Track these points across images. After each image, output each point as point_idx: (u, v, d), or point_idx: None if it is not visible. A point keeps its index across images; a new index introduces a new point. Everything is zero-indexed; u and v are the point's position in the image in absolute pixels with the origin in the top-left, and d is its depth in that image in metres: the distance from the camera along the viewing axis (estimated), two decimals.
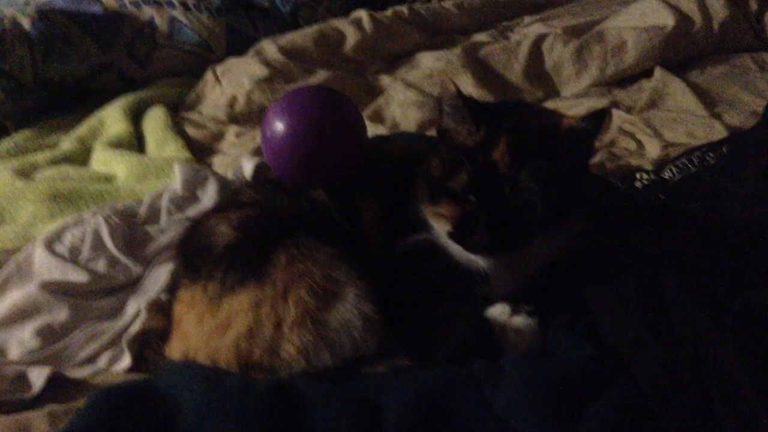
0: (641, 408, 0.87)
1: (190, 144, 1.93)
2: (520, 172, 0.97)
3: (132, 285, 1.31)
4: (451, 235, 1.04)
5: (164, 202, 1.47)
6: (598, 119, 1.01)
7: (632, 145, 1.83)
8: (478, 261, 1.07)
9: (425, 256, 1.10)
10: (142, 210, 1.46)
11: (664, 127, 1.88)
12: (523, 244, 1.01)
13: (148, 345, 1.16)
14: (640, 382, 0.90)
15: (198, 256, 1.11)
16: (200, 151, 1.92)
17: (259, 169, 1.54)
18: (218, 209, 1.22)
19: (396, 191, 1.16)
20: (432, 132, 1.89)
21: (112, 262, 1.32)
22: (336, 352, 1.01)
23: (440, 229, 1.06)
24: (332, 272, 1.04)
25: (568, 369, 0.92)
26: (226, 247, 1.09)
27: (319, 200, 1.18)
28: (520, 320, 1.06)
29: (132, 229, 1.40)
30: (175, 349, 1.09)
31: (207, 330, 1.04)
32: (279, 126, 1.16)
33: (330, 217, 1.16)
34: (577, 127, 0.99)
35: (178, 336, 1.09)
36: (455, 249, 1.07)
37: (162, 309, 1.19)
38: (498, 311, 1.08)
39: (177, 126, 2.01)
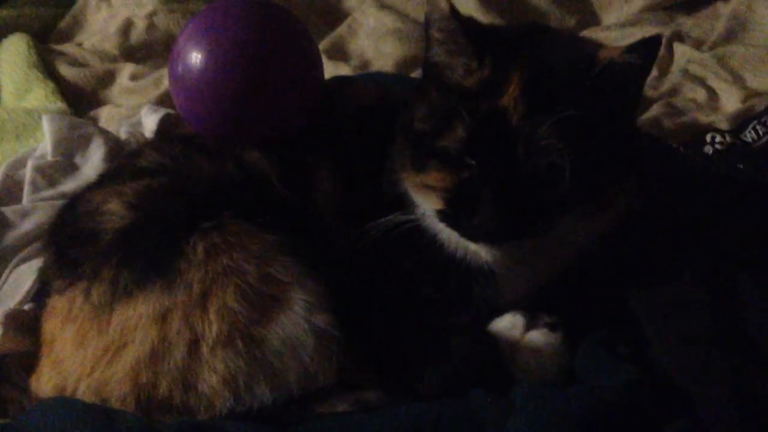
0: None
1: (65, 90, 1.95)
2: (540, 125, 0.99)
3: None
4: (443, 216, 1.06)
5: (28, 173, 1.48)
6: (650, 49, 1.03)
7: (701, 95, 1.88)
8: (481, 252, 1.09)
9: (405, 246, 1.12)
10: None
11: (745, 68, 1.93)
12: (543, 228, 1.03)
13: (5, 377, 1.16)
14: (706, 422, 0.93)
15: (78, 247, 1.12)
16: (80, 101, 1.94)
17: (165, 124, 1.56)
18: (106, 179, 1.23)
19: (364, 153, 1.18)
20: (417, 73, 1.92)
21: None
22: (278, 383, 1.02)
23: (427, 206, 1.09)
24: (272, 270, 1.05)
25: (602, 400, 0.95)
26: (118, 233, 1.10)
27: (253, 165, 1.19)
28: (538, 336, 1.09)
29: None
30: (46, 381, 1.09)
31: (91, 353, 1.05)
32: (195, 58, 1.17)
33: (269, 190, 1.17)
34: (620, 60, 1.01)
35: (51, 362, 1.10)
36: (448, 235, 1.09)
37: (25, 324, 1.20)
38: (508, 324, 1.11)
39: (45, 64, 2.01)
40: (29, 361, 1.15)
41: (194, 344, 1.02)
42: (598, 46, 1.08)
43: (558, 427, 0.92)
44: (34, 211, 1.41)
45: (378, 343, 1.09)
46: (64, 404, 1.03)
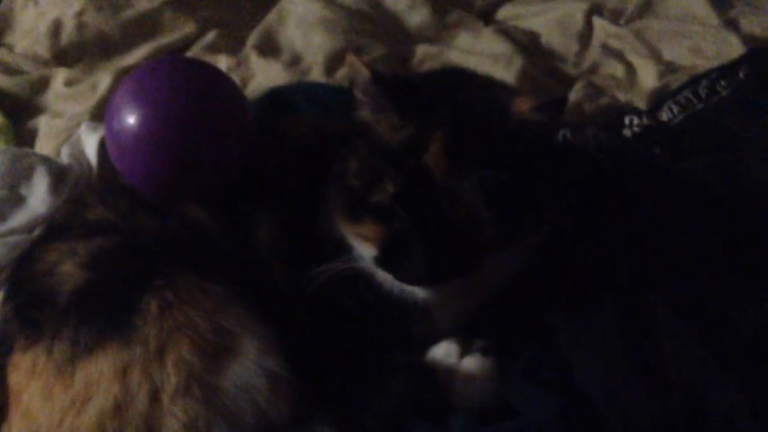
0: None
1: (1, 99, 1.95)
2: (462, 181, 1.07)
3: None
4: (379, 262, 1.14)
5: None
6: (555, 108, 1.11)
7: (620, 71, 1.96)
8: (416, 291, 1.17)
9: (347, 288, 1.20)
10: None
11: (662, 41, 2.01)
12: (470, 268, 1.12)
13: None
14: None
15: (37, 308, 1.17)
16: (16, 110, 1.95)
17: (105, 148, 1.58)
18: (56, 233, 1.28)
19: (302, 196, 1.25)
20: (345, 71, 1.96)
21: None
22: (235, 425, 1.10)
23: (365, 252, 1.16)
24: (222, 321, 1.12)
25: None
26: (74, 293, 1.16)
27: (194, 219, 1.25)
28: (472, 362, 1.17)
29: None
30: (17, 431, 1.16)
31: (59, 406, 1.12)
32: (129, 118, 1.21)
33: (213, 243, 1.23)
34: (529, 118, 1.09)
35: (20, 414, 1.15)
36: (385, 277, 1.17)
37: None
38: (443, 352, 1.20)
39: None
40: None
41: (155, 395, 1.09)
42: (512, 93, 1.15)
43: None
44: None
45: (326, 381, 1.16)
46: None
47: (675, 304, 1.16)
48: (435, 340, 1.22)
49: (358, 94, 1.14)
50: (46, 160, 1.61)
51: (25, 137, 1.85)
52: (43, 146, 1.77)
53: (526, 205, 1.12)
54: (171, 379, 1.09)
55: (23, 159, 1.59)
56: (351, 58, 1.13)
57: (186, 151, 1.23)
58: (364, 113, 1.15)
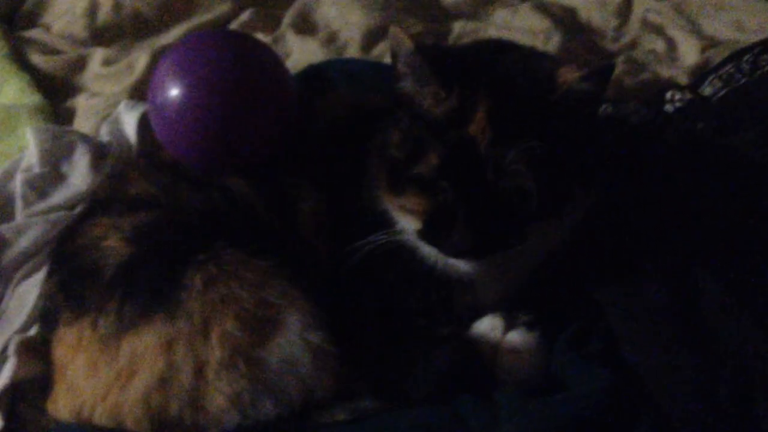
0: None
1: (39, 79, 1.94)
2: (507, 151, 1.06)
3: None
4: (422, 235, 1.13)
5: (18, 188, 1.51)
6: (604, 77, 1.10)
7: (661, 46, 1.94)
8: (459, 265, 1.16)
9: (390, 262, 1.19)
10: None
11: (702, 16, 1.98)
12: (515, 241, 1.11)
13: (22, 398, 1.23)
14: (672, 417, 1.02)
15: (81, 281, 1.18)
16: (54, 90, 1.94)
17: (145, 124, 1.59)
18: (99, 207, 1.29)
19: (342, 170, 1.25)
20: (384, 45, 1.95)
21: None
22: (280, 399, 1.11)
23: (407, 225, 1.16)
24: (266, 294, 1.12)
25: (580, 409, 1.04)
26: (119, 267, 1.16)
27: (237, 192, 1.25)
28: (516, 336, 1.17)
29: None
30: (62, 405, 1.17)
31: (104, 380, 1.13)
32: (173, 91, 1.22)
33: (255, 216, 1.24)
34: (576, 88, 1.07)
35: (65, 388, 1.17)
36: (429, 251, 1.16)
37: (36, 351, 1.27)
38: (488, 327, 1.19)
39: (17, 53, 2.01)
40: (43, 382, 1.22)
41: (200, 369, 1.10)
42: (556, 63, 1.14)
43: None
44: (28, 228, 1.45)
45: (369, 354, 1.17)
46: (85, 429, 1.12)
47: (720, 277, 1.14)
48: (479, 314, 1.22)
49: (401, 65, 1.13)
50: (86, 138, 1.61)
51: (63, 117, 1.84)
52: (82, 125, 1.77)
53: (571, 176, 1.11)
54: (216, 353, 1.10)
55: (63, 137, 1.59)
56: (394, 29, 1.12)
57: (230, 122, 1.23)
58: (407, 85, 1.14)
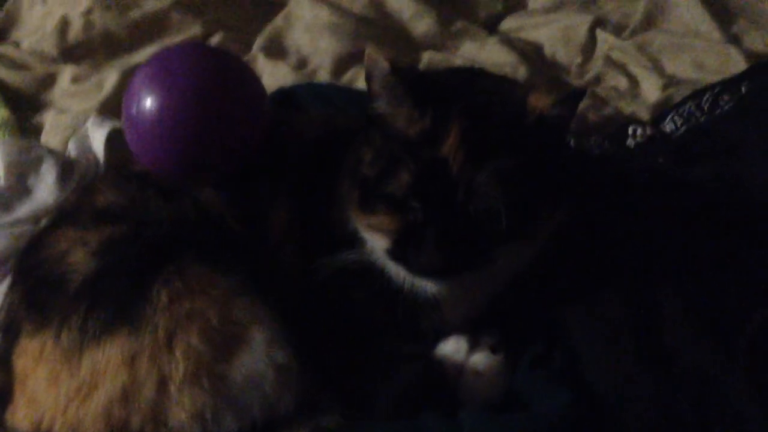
0: None
1: (6, 93, 1.94)
2: (478, 172, 1.07)
3: None
4: (391, 254, 1.13)
5: None
6: (574, 102, 1.12)
7: (623, 83, 1.96)
8: (426, 286, 1.17)
9: (355, 279, 1.19)
10: None
11: (664, 55, 2.01)
12: (483, 262, 1.12)
13: None
14: None
15: (45, 293, 1.17)
16: (21, 105, 1.94)
17: (112, 141, 1.59)
18: (65, 218, 1.27)
19: (313, 188, 1.25)
20: (353, 72, 1.97)
21: None
22: (242, 416, 1.09)
23: (376, 244, 1.16)
24: (232, 311, 1.12)
25: (540, 426, 1.05)
26: (84, 281, 1.15)
27: (208, 204, 1.25)
28: (480, 359, 1.18)
29: None
30: (22, 417, 1.14)
31: (65, 392, 1.11)
32: (149, 102, 1.22)
33: (225, 229, 1.23)
34: (547, 114, 1.09)
35: (25, 399, 1.15)
36: (396, 271, 1.17)
37: None
38: (452, 348, 1.20)
39: None
40: (2, 395, 1.18)
41: (163, 383, 1.09)
42: (527, 89, 1.15)
43: None
44: None
45: (334, 370, 1.16)
46: None
47: (681, 298, 1.17)
48: (444, 334, 1.22)
49: (376, 86, 1.14)
50: (53, 153, 1.60)
51: (30, 132, 1.83)
52: (49, 141, 1.76)
53: (541, 199, 1.12)
54: (179, 367, 1.09)
55: (31, 151, 1.59)
56: (370, 51, 1.13)
57: (204, 132, 1.23)
58: (381, 105, 1.14)
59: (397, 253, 1.13)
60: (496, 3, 2.27)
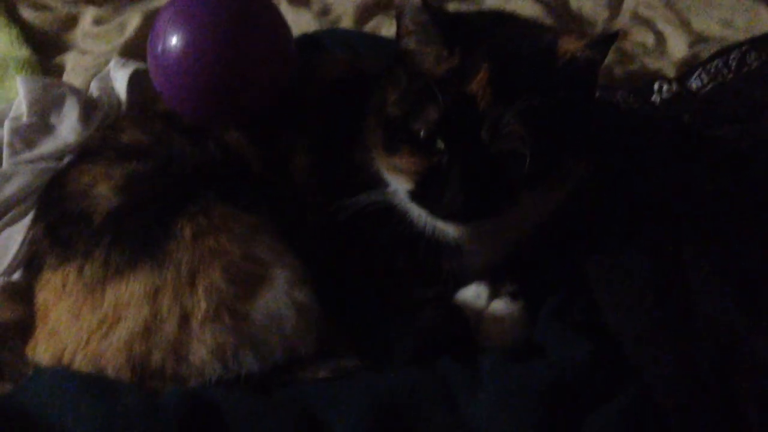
0: (651, 419, 1.01)
1: (28, 34, 1.93)
2: (505, 111, 1.06)
3: None
4: (414, 196, 1.13)
5: (5, 136, 1.50)
6: (607, 45, 1.10)
7: (650, 40, 1.95)
8: (448, 229, 1.16)
9: (377, 222, 1.19)
10: None
11: (692, 12, 2.00)
12: (506, 206, 1.11)
13: (2, 342, 1.21)
14: (652, 386, 1.03)
15: (69, 226, 1.17)
16: (44, 45, 1.93)
17: (135, 82, 1.59)
18: (90, 153, 1.28)
19: (336, 129, 1.25)
20: (376, 20, 1.95)
21: None
22: (263, 354, 1.10)
23: (398, 186, 1.16)
24: (255, 249, 1.13)
25: (561, 374, 1.04)
26: (109, 215, 1.15)
27: (232, 145, 1.25)
28: (500, 306, 1.18)
29: None
30: (42, 350, 1.15)
31: (87, 326, 1.12)
32: (174, 40, 1.21)
33: (248, 170, 1.23)
34: (579, 56, 1.08)
35: (46, 333, 1.16)
36: (418, 214, 1.17)
37: (18, 293, 1.25)
38: (473, 294, 1.20)
39: (7, 7, 1.99)
40: (23, 326, 1.20)
41: (184, 319, 1.09)
42: (556, 34, 1.14)
43: (527, 397, 1.02)
44: (15, 175, 1.44)
45: (354, 314, 1.17)
46: (66, 375, 1.10)
47: (707, 253, 1.16)
48: (465, 281, 1.22)
49: (406, 22, 1.13)
50: (76, 91, 1.60)
51: (51, 72, 1.82)
52: (71, 81, 1.75)
53: (566, 146, 1.11)
54: (201, 304, 1.09)
55: (54, 89, 1.58)
56: None
57: (230, 71, 1.23)
58: (410, 43, 1.14)
59: (420, 195, 1.12)
60: None
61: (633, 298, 1.13)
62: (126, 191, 1.18)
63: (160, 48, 1.23)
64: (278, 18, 1.31)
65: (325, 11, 2.02)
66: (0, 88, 1.72)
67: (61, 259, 1.16)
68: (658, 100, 1.73)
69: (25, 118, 1.53)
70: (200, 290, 1.10)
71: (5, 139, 1.51)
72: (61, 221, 1.19)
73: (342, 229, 1.19)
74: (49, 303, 1.16)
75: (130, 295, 1.11)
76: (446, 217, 1.13)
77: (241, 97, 1.26)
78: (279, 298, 1.11)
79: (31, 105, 1.54)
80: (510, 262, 1.23)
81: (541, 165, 1.09)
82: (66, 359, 1.13)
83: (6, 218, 1.40)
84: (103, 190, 1.18)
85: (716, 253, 1.17)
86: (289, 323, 1.10)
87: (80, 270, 1.13)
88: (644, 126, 1.51)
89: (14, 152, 1.49)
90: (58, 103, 1.56)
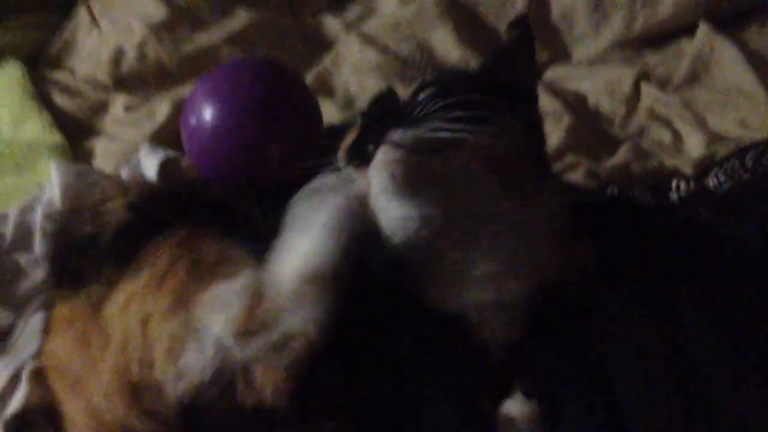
0: None
1: (59, 119, 1.99)
2: None
3: None
4: None
5: (38, 220, 1.53)
6: None
7: (666, 137, 1.98)
8: None
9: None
10: (8, 230, 1.54)
11: (708, 111, 2.03)
12: None
13: (30, 426, 1.22)
14: None
15: (79, 253, 1.21)
16: (74, 130, 1.99)
17: (166, 169, 1.63)
18: None
19: None
20: None
21: None
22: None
23: None
24: (230, 252, 1.12)
25: None
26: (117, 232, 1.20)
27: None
28: (513, 407, 1.16)
29: None
30: (77, 420, 1.12)
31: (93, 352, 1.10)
32: (209, 113, 1.30)
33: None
34: None
35: (69, 390, 1.15)
36: None
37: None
38: None
39: (39, 92, 2.06)
40: (52, 411, 1.20)
41: (145, 322, 1.06)
42: None
43: None
44: (45, 260, 1.47)
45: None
46: None
47: (727, 355, 1.19)
48: None
49: None
50: (108, 178, 1.63)
51: (81, 157, 1.88)
52: (100, 167, 1.81)
53: None
54: (162, 302, 1.06)
55: (87, 175, 1.62)
56: None
57: (261, 145, 1.31)
58: None
59: None
60: (542, 52, 2.29)
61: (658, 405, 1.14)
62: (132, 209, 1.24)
63: (194, 121, 1.31)
64: (310, 96, 1.41)
65: (348, 103, 2.08)
66: (31, 172, 1.77)
67: (72, 291, 1.18)
68: (675, 197, 1.76)
69: (58, 204, 1.57)
70: (166, 288, 1.08)
71: (37, 223, 1.54)
72: (72, 250, 1.25)
73: None
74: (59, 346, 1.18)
75: (116, 306, 1.10)
76: None
77: (273, 168, 1.33)
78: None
79: (65, 192, 1.57)
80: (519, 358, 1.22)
81: None
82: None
83: (36, 301, 1.42)
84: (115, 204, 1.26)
85: (740, 357, 1.19)
86: None
87: (88, 294, 1.15)
88: (662, 222, 1.55)
89: (45, 236, 1.51)
90: (90, 189, 1.59)
